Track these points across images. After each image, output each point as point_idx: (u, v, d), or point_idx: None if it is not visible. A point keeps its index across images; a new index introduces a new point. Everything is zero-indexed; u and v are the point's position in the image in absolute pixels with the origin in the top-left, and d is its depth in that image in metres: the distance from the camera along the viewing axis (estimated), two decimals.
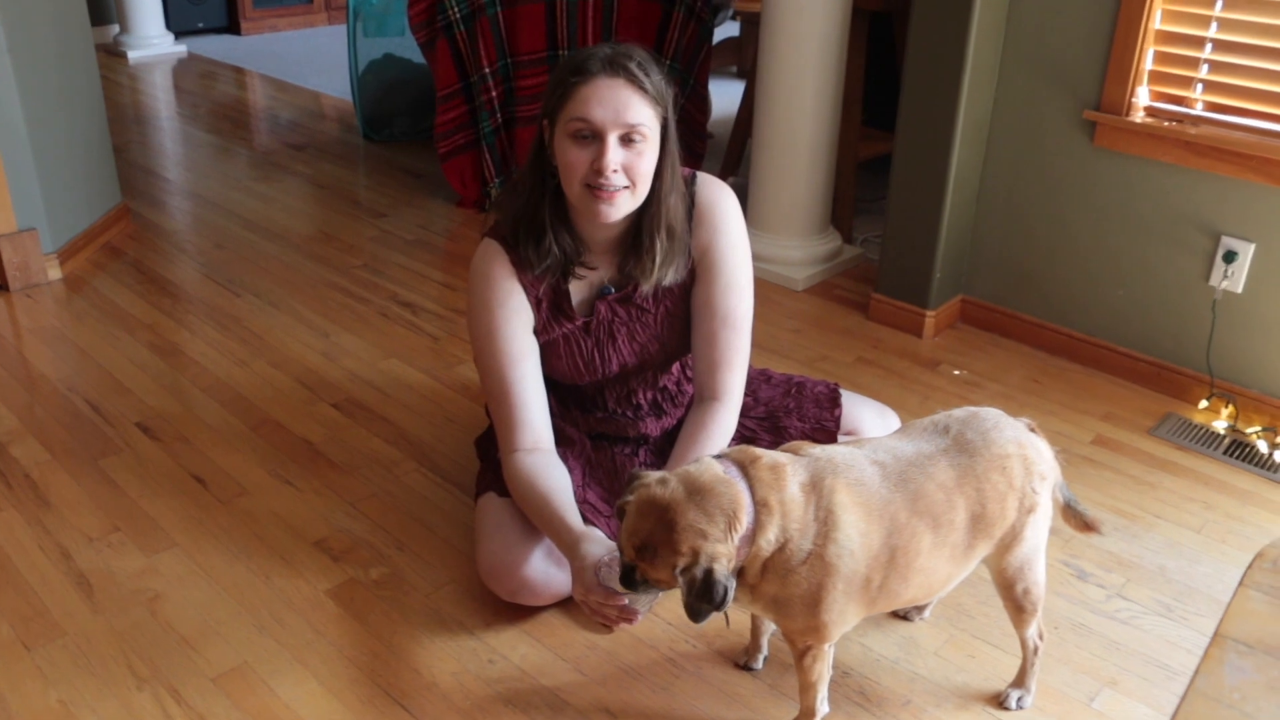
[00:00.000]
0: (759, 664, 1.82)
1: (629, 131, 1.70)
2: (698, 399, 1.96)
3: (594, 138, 1.70)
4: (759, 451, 1.50)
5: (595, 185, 1.72)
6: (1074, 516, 1.69)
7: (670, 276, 1.88)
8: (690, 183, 1.90)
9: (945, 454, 1.56)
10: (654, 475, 1.47)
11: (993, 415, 1.63)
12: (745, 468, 1.47)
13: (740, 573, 1.46)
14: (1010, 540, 1.59)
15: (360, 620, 1.92)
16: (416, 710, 1.73)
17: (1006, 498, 1.56)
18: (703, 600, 1.39)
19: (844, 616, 1.51)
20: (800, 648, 1.56)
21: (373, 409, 2.60)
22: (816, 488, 1.47)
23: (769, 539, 1.44)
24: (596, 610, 1.65)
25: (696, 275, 1.92)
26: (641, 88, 1.70)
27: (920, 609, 1.93)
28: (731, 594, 1.41)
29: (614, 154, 1.70)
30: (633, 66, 1.70)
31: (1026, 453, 1.59)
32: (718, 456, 1.50)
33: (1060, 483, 1.65)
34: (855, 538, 1.46)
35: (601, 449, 2.06)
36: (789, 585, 1.46)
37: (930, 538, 1.51)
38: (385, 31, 4.57)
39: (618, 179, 1.72)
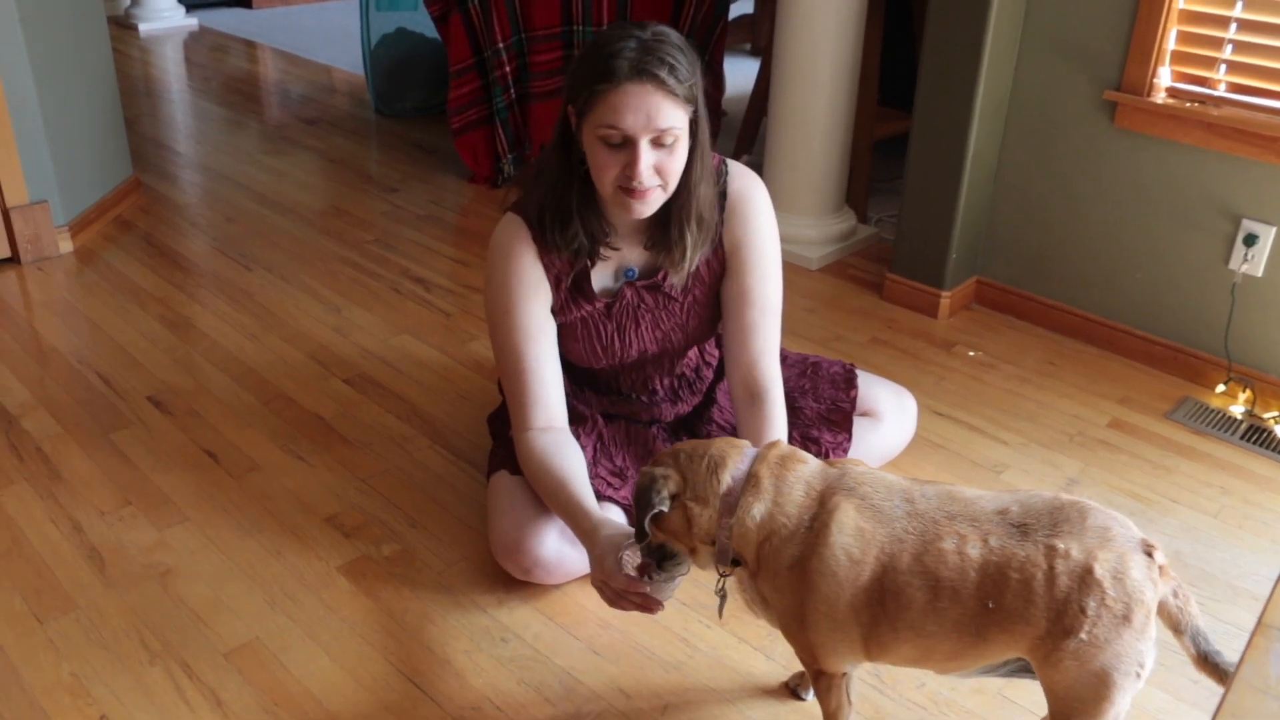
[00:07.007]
0: (808, 697, 1.74)
1: (660, 135, 1.67)
2: (746, 395, 1.88)
3: (624, 143, 1.67)
4: (790, 448, 1.49)
5: (628, 187, 1.69)
6: (1207, 666, 1.39)
7: (697, 262, 1.86)
8: (722, 172, 1.88)
9: (997, 524, 1.36)
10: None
11: (1091, 515, 1.36)
12: (763, 451, 1.47)
13: (742, 561, 1.46)
14: (1041, 655, 1.34)
15: (372, 597, 1.91)
16: (429, 688, 1.72)
17: (1033, 598, 1.32)
18: (635, 499, 1.47)
19: (834, 643, 1.42)
20: (810, 672, 1.51)
21: (385, 385, 2.59)
22: (823, 497, 1.41)
23: (752, 515, 1.41)
24: (617, 598, 1.62)
25: (729, 266, 1.89)
26: (671, 92, 1.64)
27: None
28: (661, 507, 1.44)
29: (646, 158, 1.66)
30: (663, 73, 1.63)
31: (1095, 571, 1.31)
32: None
33: (1199, 632, 1.38)
34: (843, 561, 1.37)
35: (614, 423, 2.05)
36: (777, 589, 1.43)
37: (924, 598, 1.36)
38: (398, 5, 4.54)
39: (650, 179, 1.69)
